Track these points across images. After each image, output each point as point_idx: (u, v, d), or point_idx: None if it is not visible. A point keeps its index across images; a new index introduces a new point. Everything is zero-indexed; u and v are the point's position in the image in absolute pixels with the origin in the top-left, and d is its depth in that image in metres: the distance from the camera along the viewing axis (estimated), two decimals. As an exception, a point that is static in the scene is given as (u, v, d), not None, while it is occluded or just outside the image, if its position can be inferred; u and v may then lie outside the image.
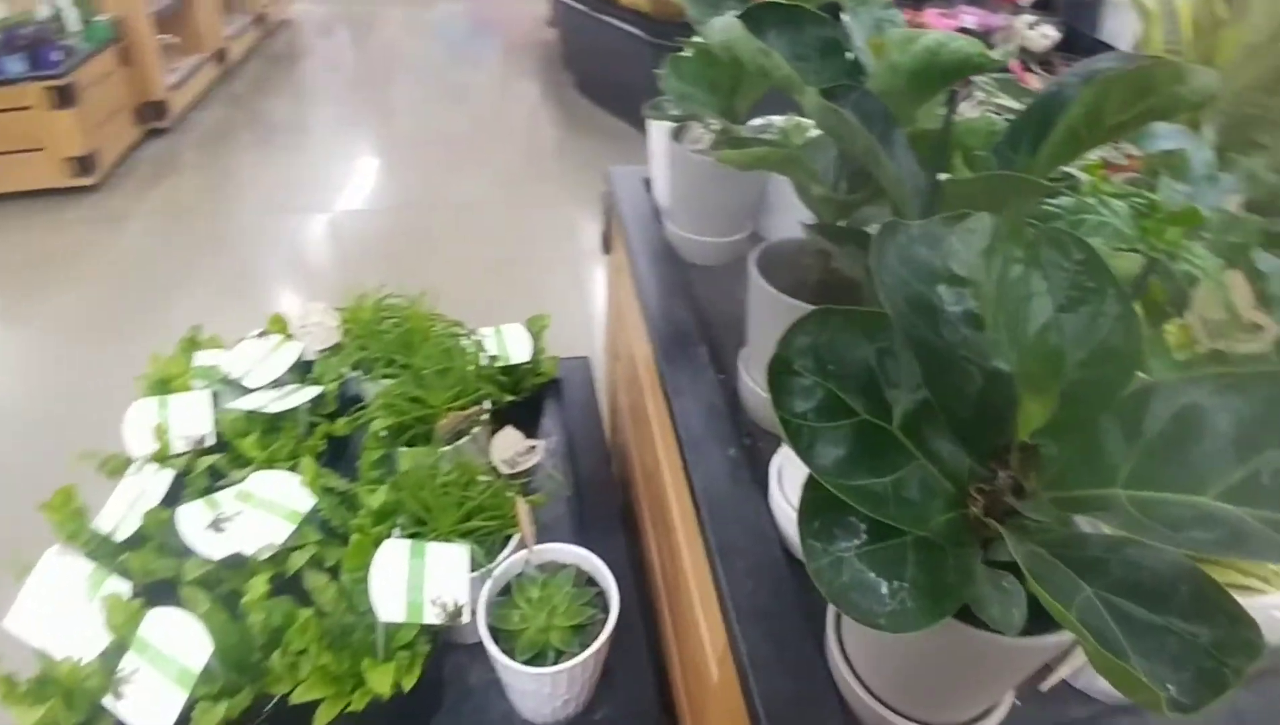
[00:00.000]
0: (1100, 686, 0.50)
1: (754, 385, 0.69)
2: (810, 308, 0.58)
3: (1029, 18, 1.25)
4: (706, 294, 0.88)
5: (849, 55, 0.53)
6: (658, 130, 0.99)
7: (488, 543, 0.77)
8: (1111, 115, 0.37)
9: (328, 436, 0.90)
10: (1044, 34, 0.98)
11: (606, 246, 1.22)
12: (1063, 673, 0.49)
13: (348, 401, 0.94)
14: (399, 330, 1.00)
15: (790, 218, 0.97)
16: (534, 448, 0.90)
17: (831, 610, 0.51)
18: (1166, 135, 0.50)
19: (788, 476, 0.59)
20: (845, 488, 0.37)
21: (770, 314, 0.64)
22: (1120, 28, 1.54)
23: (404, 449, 0.86)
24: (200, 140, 3.02)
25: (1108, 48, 1.54)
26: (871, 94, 0.48)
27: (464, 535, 0.76)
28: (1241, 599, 0.31)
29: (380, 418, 0.91)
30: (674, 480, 0.75)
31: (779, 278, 0.64)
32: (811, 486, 0.38)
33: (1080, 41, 1.40)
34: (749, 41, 0.51)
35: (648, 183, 1.09)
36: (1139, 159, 0.58)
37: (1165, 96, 0.34)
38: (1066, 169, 0.46)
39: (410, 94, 3.65)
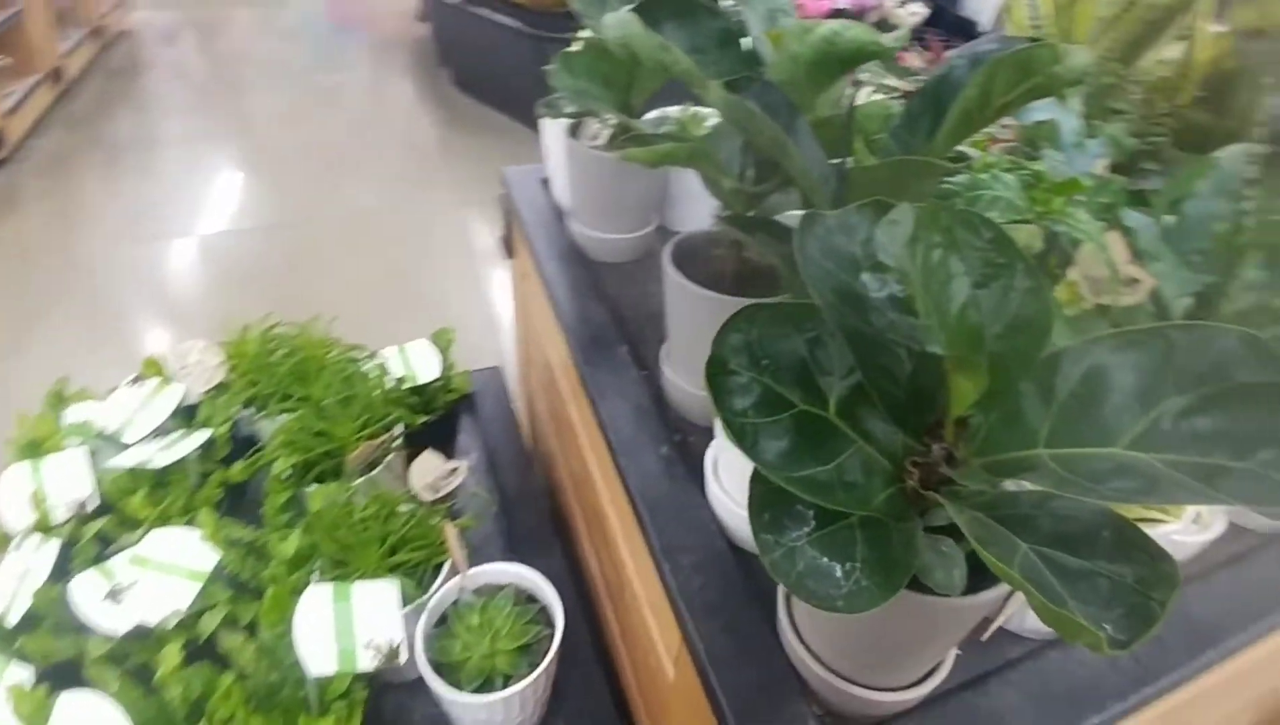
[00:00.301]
0: (1031, 626, 0.54)
1: (679, 380, 0.70)
2: (728, 299, 0.60)
3: (897, -4, 1.32)
4: (620, 292, 0.88)
5: (745, 46, 0.54)
6: (552, 128, 0.98)
7: (417, 574, 0.75)
8: (999, 96, 0.39)
9: (224, 484, 0.85)
10: (912, 11, 1.03)
11: (508, 250, 1.20)
12: (1000, 622, 0.53)
13: (242, 444, 0.89)
14: (291, 361, 0.95)
15: (696, 208, 0.99)
16: (456, 469, 0.87)
17: (781, 593, 0.52)
18: (1040, 108, 0.54)
19: (724, 468, 0.60)
20: (791, 479, 0.38)
21: (689, 308, 0.65)
22: (980, 4, 1.65)
23: (312, 488, 0.81)
24: (41, 169, 2.74)
25: (971, 23, 1.65)
26: (773, 85, 0.49)
27: (390, 571, 0.73)
28: (1147, 530, 0.35)
29: (281, 457, 0.86)
30: (607, 485, 0.74)
31: (694, 270, 0.65)
32: (758, 481, 0.39)
33: (944, 18, 1.49)
34: (647, 37, 0.51)
35: (546, 182, 1.08)
36: (1014, 130, 0.63)
37: (1046, 76, 0.37)
38: (960, 147, 0.49)
39: (272, 101, 3.43)
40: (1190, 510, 0.57)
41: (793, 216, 0.63)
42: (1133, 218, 0.52)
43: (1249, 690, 0.69)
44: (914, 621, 0.41)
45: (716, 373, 0.38)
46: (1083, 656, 0.54)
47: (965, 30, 1.56)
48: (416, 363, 1.06)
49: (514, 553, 0.91)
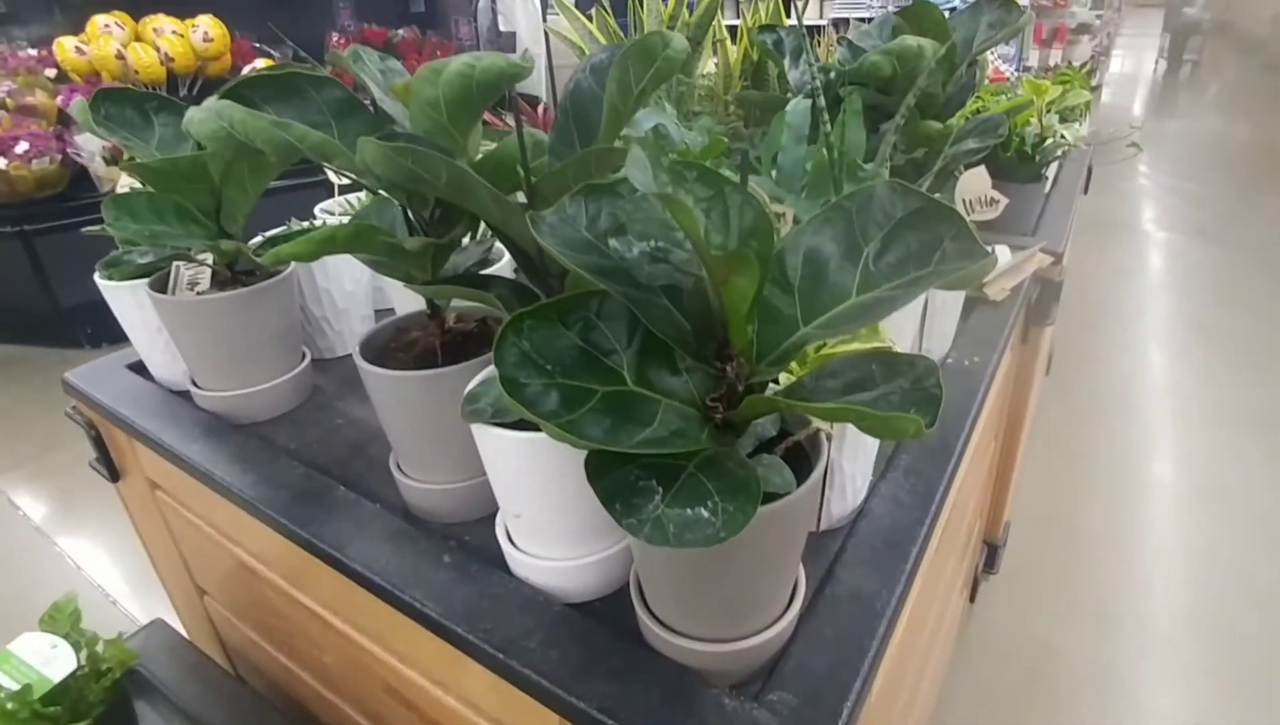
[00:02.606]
0: (837, 514, 0.66)
1: (428, 482, 0.68)
2: (445, 371, 0.62)
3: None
4: (298, 442, 0.81)
5: (368, 111, 0.58)
6: (127, 297, 0.88)
7: None
8: (636, 83, 0.49)
9: None
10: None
11: (111, 473, 1.01)
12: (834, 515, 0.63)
13: None
14: None
15: (349, 324, 0.97)
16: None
17: (638, 604, 0.54)
18: (647, 117, 0.68)
19: (517, 531, 0.60)
20: (628, 455, 0.41)
21: (402, 399, 0.64)
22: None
23: None
24: None
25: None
26: (422, 149, 0.53)
27: None
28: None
29: None
30: (399, 638, 0.68)
31: (396, 364, 0.64)
32: (595, 475, 0.41)
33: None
34: (256, 119, 0.51)
35: (140, 366, 0.95)
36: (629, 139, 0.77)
37: (664, 59, 0.48)
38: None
39: None
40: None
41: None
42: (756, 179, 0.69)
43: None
44: (771, 532, 0.47)
45: (513, 393, 0.40)
46: (879, 512, 0.66)
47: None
48: (36, 662, 0.84)
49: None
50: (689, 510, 0.41)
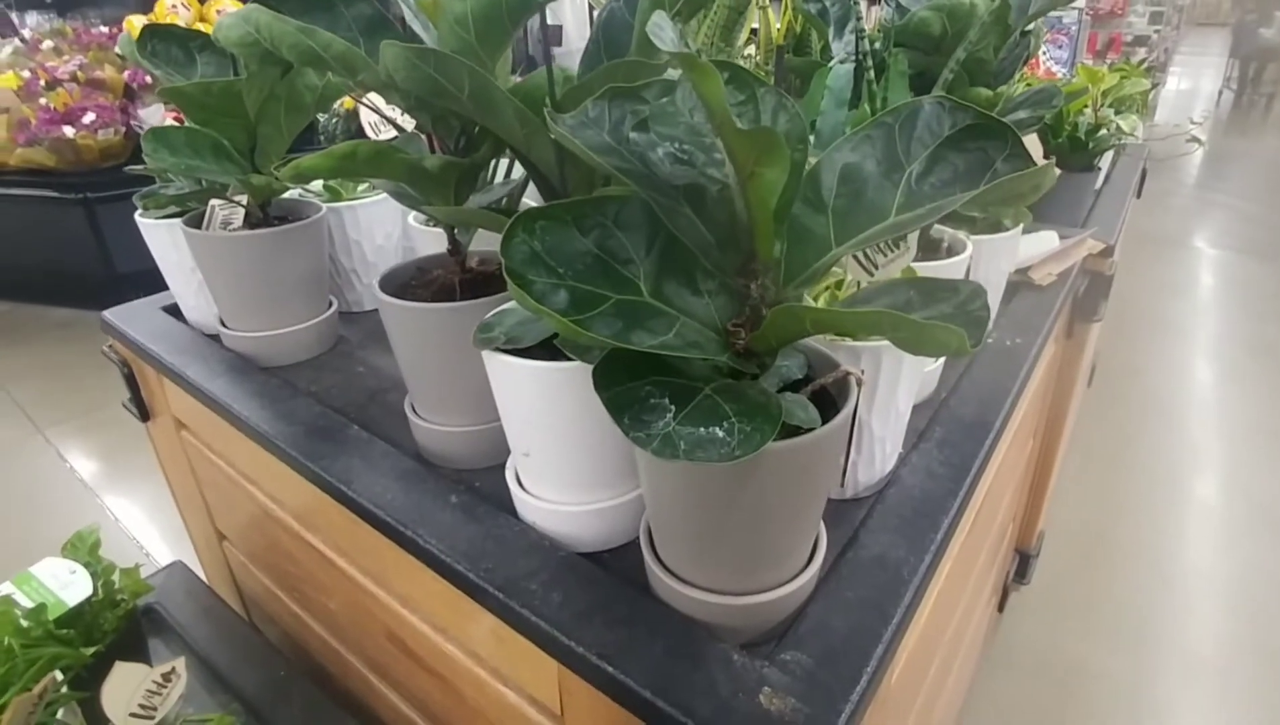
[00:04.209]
0: (863, 481, 0.61)
1: (443, 423, 0.65)
2: (466, 305, 0.59)
3: None
4: (318, 387, 0.79)
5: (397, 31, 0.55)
6: (165, 236, 0.87)
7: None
8: (670, 6, 0.46)
9: None
10: None
11: (142, 413, 1.01)
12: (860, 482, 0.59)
13: None
14: None
15: (375, 278, 0.95)
16: (171, 672, 0.68)
17: (648, 552, 0.51)
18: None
19: (526, 472, 0.57)
20: (639, 370, 0.38)
21: (419, 333, 0.62)
22: None
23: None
24: None
25: None
26: (444, 53, 0.51)
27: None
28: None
29: None
30: (401, 576, 0.65)
31: (415, 300, 0.62)
32: (603, 384, 0.38)
33: None
34: (281, 24, 0.49)
35: (175, 309, 0.94)
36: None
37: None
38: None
39: None
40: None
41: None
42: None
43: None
44: (792, 471, 0.43)
45: (520, 285, 0.37)
46: (910, 482, 0.62)
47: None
48: (53, 586, 0.83)
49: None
50: (702, 429, 0.37)
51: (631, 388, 0.38)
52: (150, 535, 1.87)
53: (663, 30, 0.32)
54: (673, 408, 0.39)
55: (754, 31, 1.10)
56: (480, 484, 0.64)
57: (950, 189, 0.39)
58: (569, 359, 0.49)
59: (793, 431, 0.42)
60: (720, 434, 0.37)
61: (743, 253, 0.40)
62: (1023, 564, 1.61)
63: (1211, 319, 3.34)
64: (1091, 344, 1.49)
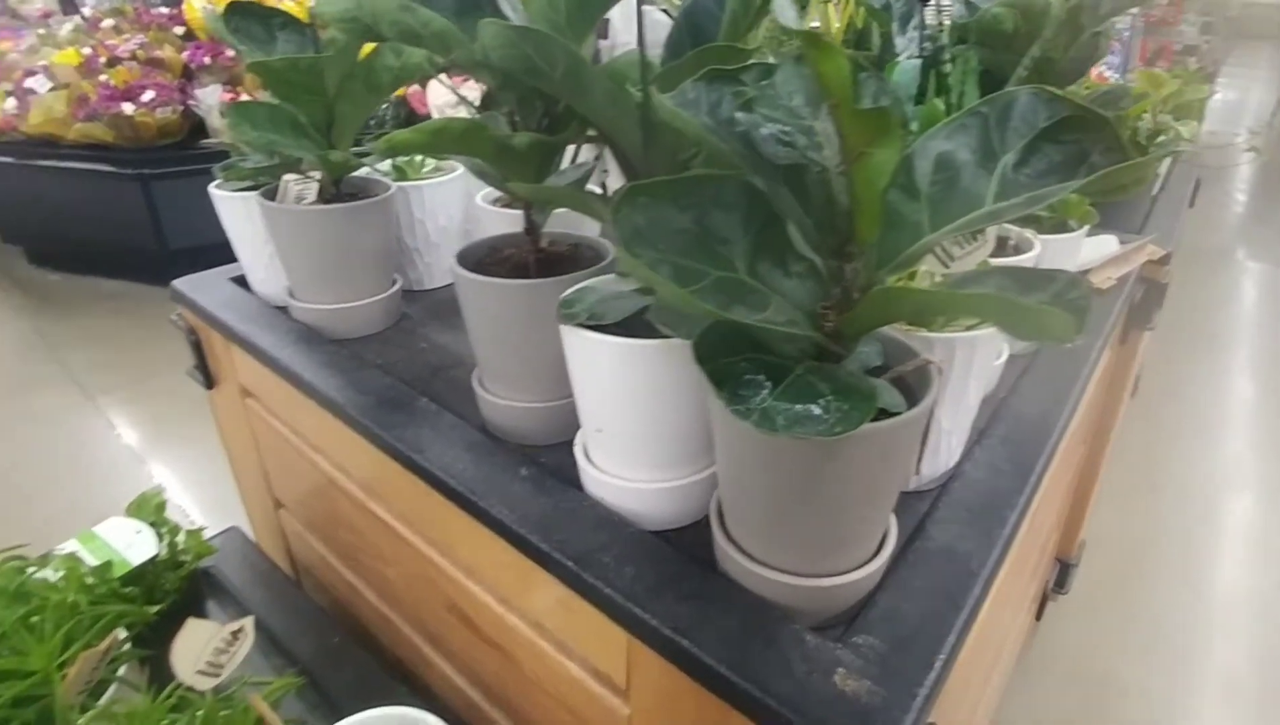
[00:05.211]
0: (927, 474, 0.61)
1: (512, 398, 0.66)
2: (545, 282, 0.60)
3: None
4: (384, 359, 0.81)
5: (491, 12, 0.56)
6: (240, 209, 0.89)
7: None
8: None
9: None
10: None
11: (207, 380, 1.03)
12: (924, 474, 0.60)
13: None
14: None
15: (439, 259, 0.96)
16: (239, 631, 0.70)
17: (718, 531, 0.51)
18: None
19: (596, 447, 0.58)
20: (736, 345, 0.39)
21: (495, 308, 0.63)
22: None
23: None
24: None
25: None
26: (543, 31, 0.51)
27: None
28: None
29: None
30: (469, 547, 0.67)
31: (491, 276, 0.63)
32: (704, 357, 0.39)
33: None
34: (383, 0, 0.50)
35: (242, 280, 0.97)
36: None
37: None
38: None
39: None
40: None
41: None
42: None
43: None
44: (877, 453, 0.43)
45: (629, 258, 0.38)
46: (975, 476, 0.62)
47: None
48: (118, 545, 0.86)
49: (334, 706, 0.76)
50: (799, 406, 0.38)
51: (729, 362, 0.39)
52: (193, 503, 1.91)
53: (785, 10, 0.32)
54: (769, 384, 0.39)
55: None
56: (546, 460, 0.65)
57: (1045, 180, 0.39)
58: (646, 338, 0.50)
59: (877, 416, 0.42)
60: (817, 411, 0.37)
61: (839, 235, 0.40)
62: (1063, 573, 1.60)
63: (1255, 334, 3.26)
64: (1141, 353, 1.46)
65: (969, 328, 0.56)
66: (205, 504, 1.91)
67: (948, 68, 0.73)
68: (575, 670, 0.60)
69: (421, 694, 0.77)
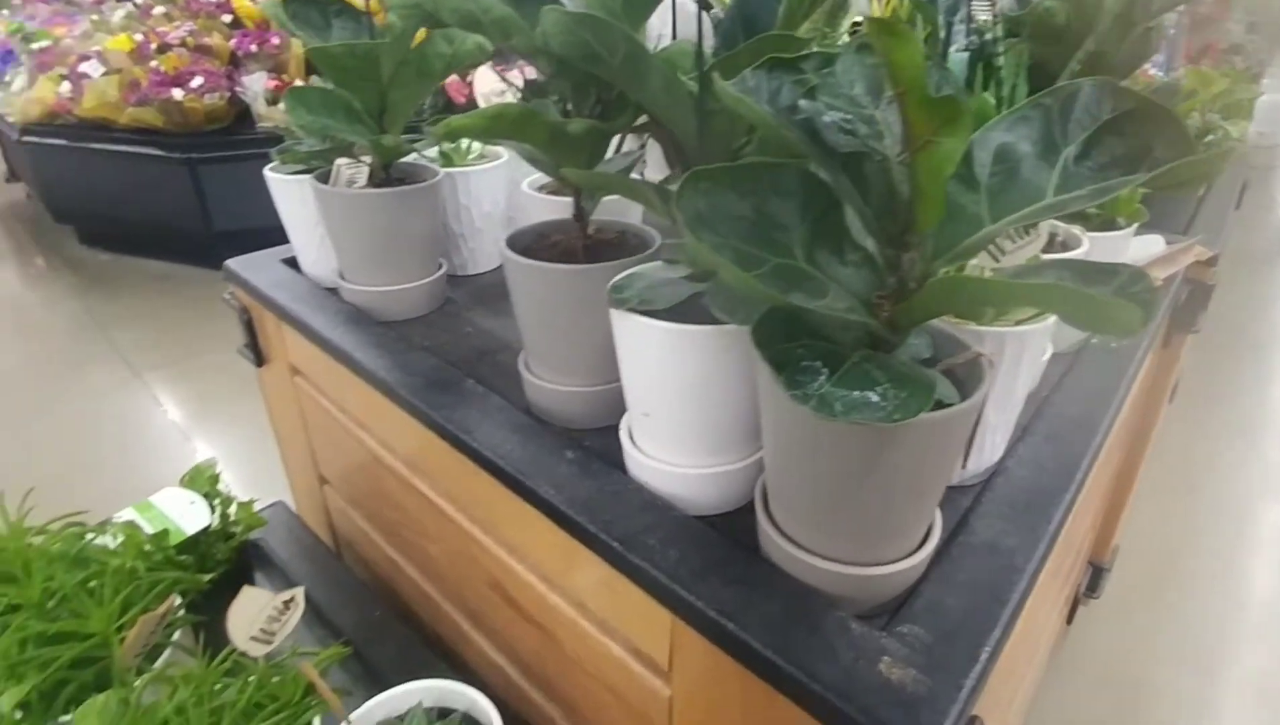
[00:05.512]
0: (970, 471, 0.61)
1: (544, 382, 0.67)
2: (594, 267, 0.60)
3: None
4: (431, 342, 0.82)
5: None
6: (294, 191, 0.91)
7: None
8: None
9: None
10: None
11: (258, 357, 1.06)
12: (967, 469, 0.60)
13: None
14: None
15: (483, 245, 0.98)
16: (291, 600, 0.72)
17: (762, 515, 0.52)
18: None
19: (641, 432, 0.59)
20: (793, 331, 0.39)
21: (544, 292, 0.63)
22: None
23: (69, 718, 0.64)
24: None
25: None
26: (603, 18, 0.52)
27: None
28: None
29: (5, 690, 0.66)
30: (513, 525, 0.68)
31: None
32: (763, 342, 0.39)
33: None
34: (449, -12, 0.51)
35: (293, 262, 0.99)
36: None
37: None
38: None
39: None
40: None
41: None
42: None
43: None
44: (931, 443, 0.43)
45: (694, 241, 0.38)
46: (1018, 473, 0.61)
47: None
48: (174, 514, 0.89)
49: (379, 676, 0.78)
50: (856, 393, 0.38)
51: (787, 348, 0.39)
52: (234, 478, 1.95)
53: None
54: (825, 371, 0.40)
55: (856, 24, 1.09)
56: (590, 443, 0.66)
57: (1107, 173, 0.39)
58: (694, 324, 0.50)
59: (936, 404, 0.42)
60: (874, 399, 0.38)
61: (899, 224, 0.40)
62: (1095, 576, 1.57)
63: (1302, 342, 3.17)
64: (1184, 357, 1.43)
65: (1018, 323, 0.56)
66: (245, 479, 1.95)
67: (1000, 60, 0.72)
68: (617, 650, 0.61)
69: (460, 670, 0.79)
